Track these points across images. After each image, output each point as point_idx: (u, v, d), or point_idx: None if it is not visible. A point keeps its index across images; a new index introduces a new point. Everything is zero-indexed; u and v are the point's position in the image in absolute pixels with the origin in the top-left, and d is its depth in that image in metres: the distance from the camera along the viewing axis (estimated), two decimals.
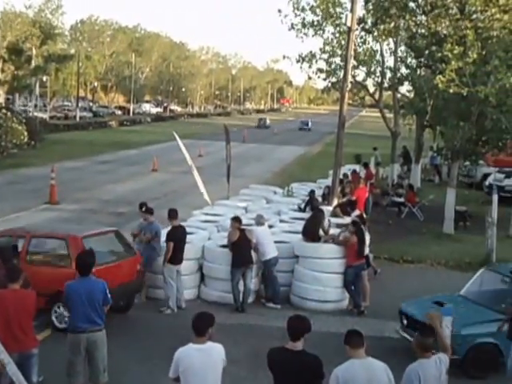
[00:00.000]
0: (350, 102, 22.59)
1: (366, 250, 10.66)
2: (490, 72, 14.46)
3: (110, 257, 9.16)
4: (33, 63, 48.18)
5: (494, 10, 14.84)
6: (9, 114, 30.36)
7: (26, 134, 30.32)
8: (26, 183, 22.00)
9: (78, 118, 59.13)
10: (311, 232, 10.46)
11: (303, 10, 20.43)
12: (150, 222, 10.22)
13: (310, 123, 69.29)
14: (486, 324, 7.80)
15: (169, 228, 9.94)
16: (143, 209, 10.57)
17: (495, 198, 13.60)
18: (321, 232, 10.65)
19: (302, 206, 14.23)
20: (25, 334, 5.94)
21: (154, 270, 10.10)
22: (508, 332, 6.80)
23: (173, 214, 9.89)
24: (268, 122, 71.03)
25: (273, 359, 4.82)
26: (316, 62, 21.08)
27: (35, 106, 51.29)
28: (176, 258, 9.60)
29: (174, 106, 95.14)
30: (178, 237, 9.66)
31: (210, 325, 4.97)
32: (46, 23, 53.83)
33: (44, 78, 54.09)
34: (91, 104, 78.83)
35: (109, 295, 6.37)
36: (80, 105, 64.99)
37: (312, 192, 14.71)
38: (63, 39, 75.17)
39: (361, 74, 22.59)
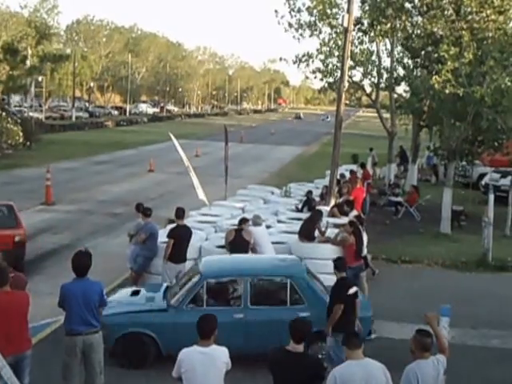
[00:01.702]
0: (347, 102, 22.64)
1: (364, 251, 10.67)
2: (485, 72, 14.51)
3: None
4: (28, 63, 47.99)
5: (489, 11, 14.89)
6: (4, 114, 30.27)
7: (21, 134, 30.19)
8: (21, 184, 21.93)
9: (73, 119, 59.01)
10: (306, 230, 10.46)
11: (299, 10, 20.45)
12: (147, 223, 10.22)
13: (329, 117, 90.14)
14: (141, 314, 7.63)
15: (172, 225, 9.98)
16: (140, 209, 10.56)
17: (491, 197, 13.63)
18: (316, 233, 10.66)
19: (300, 206, 14.24)
20: (20, 336, 5.89)
21: (150, 271, 10.11)
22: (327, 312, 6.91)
23: (179, 213, 9.93)
24: (302, 115, 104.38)
25: (274, 360, 4.82)
26: (312, 62, 21.10)
27: (31, 106, 51.10)
28: (176, 256, 9.58)
29: (170, 107, 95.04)
30: (180, 235, 9.65)
31: (215, 327, 4.96)
32: (41, 23, 53.65)
33: (39, 78, 53.93)
34: (87, 104, 78.68)
35: (105, 296, 6.34)
36: (76, 105, 64.86)
37: (309, 192, 14.73)
38: (59, 39, 75.11)
39: (357, 75, 22.63)
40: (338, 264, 7.28)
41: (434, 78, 14.65)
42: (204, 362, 4.88)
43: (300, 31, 20.59)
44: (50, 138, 38.86)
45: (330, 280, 9.91)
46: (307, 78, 26.30)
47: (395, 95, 24.32)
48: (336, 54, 20.72)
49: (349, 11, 14.41)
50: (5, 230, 10.85)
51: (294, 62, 20.99)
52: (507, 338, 9.13)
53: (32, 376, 6.08)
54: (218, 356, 4.96)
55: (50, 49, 56.50)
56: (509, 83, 14.28)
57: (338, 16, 19.97)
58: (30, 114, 46.17)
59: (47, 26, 54.71)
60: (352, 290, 7.01)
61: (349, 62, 16.38)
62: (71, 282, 6.29)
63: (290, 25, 20.57)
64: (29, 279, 10.56)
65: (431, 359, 5.04)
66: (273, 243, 10.26)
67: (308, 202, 13.98)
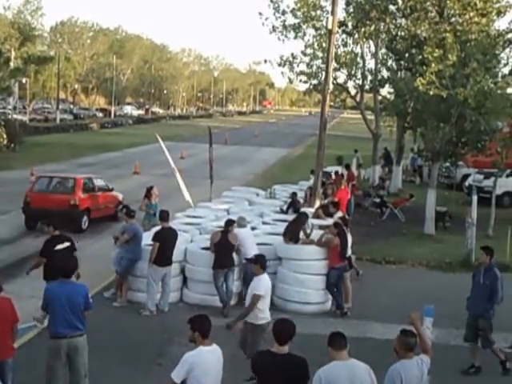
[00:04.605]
0: (332, 104, 22.70)
1: (349, 252, 10.71)
2: (468, 74, 14.66)
3: None
4: (11, 65, 47.49)
5: (472, 14, 15.04)
6: None
7: (5, 136, 29.95)
8: (5, 186, 21.65)
9: (58, 121, 58.43)
10: (291, 232, 10.47)
11: (284, 12, 20.50)
12: (130, 224, 10.19)
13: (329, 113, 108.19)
14: None
15: (158, 228, 9.96)
16: (124, 211, 10.52)
17: (475, 198, 13.76)
18: (301, 235, 10.67)
19: (284, 207, 14.25)
20: (2, 343, 5.80)
21: (135, 273, 10.06)
22: None
23: (163, 216, 9.95)
24: (313, 112, 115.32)
25: (259, 363, 4.80)
26: (298, 65, 21.18)
27: (14, 108, 50.56)
28: (161, 259, 9.55)
29: (155, 108, 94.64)
30: (165, 238, 9.62)
31: (211, 326, 5.03)
32: (25, 24, 53.23)
33: (23, 80, 53.39)
34: (72, 106, 78.05)
35: (90, 299, 6.29)
36: (60, 107, 64.27)
37: (294, 194, 14.75)
38: (43, 41, 74.46)
39: (342, 77, 22.75)
40: (52, 223, 8.64)
41: (418, 79, 14.76)
42: (214, 361, 4.97)
43: (285, 33, 20.68)
44: (35, 140, 38.49)
45: (316, 281, 10.05)
46: (291, 82, 26.35)
47: (379, 97, 24.48)
48: (320, 56, 20.83)
49: (333, 13, 14.46)
50: (64, 195, 15.11)
51: (279, 65, 21.05)
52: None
53: (16, 379, 6.01)
54: (220, 353, 5.05)
55: (34, 50, 55.99)
56: (492, 85, 14.45)
57: (322, 18, 20.09)
58: (14, 116, 45.68)
59: (31, 28, 54.27)
60: (60, 246, 8.25)
61: (333, 64, 16.45)
62: (55, 284, 6.22)
63: (274, 28, 20.63)
64: (11, 282, 10.52)
65: (415, 359, 5.06)
66: (258, 245, 10.25)
67: (293, 204, 13.99)
